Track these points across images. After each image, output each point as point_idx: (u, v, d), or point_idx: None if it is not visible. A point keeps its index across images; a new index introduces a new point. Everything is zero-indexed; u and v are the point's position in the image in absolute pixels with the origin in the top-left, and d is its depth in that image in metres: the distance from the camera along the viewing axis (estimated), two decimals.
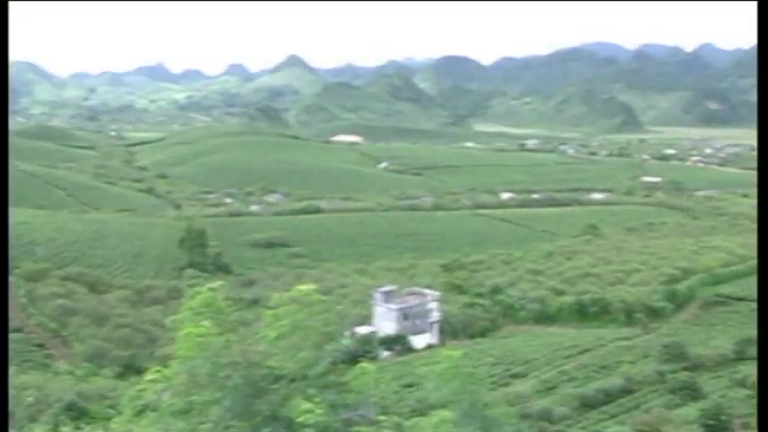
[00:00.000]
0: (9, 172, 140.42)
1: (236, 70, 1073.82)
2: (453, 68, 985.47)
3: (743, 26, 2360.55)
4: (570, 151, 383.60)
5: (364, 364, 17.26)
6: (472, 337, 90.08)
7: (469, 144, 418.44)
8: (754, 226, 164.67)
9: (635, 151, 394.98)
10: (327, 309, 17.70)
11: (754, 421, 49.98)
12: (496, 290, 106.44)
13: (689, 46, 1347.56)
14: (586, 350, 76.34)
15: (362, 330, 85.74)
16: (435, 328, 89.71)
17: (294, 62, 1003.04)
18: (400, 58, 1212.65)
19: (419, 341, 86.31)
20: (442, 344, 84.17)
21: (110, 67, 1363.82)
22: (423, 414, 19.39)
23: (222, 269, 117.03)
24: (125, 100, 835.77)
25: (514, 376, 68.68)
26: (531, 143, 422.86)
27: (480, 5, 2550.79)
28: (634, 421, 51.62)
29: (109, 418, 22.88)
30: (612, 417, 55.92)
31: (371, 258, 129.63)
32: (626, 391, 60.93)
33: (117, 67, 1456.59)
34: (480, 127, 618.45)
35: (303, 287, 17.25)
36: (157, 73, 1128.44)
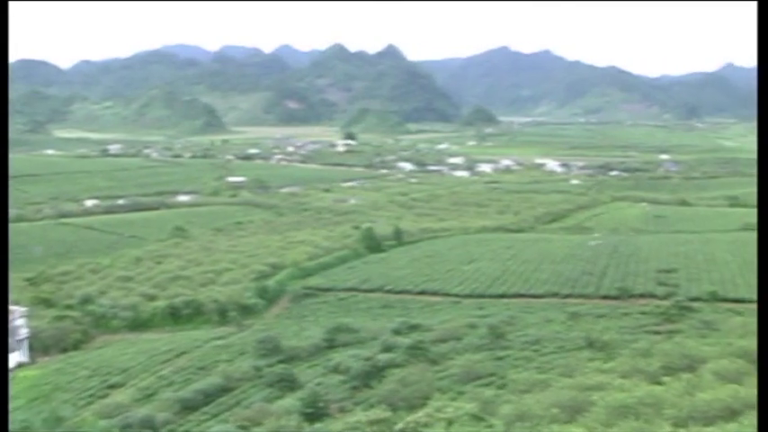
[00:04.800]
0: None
1: None
2: (30, 73, 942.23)
3: (318, 28, 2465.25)
4: (154, 155, 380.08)
5: None
6: (65, 350, 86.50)
7: (50, 151, 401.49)
8: (337, 219, 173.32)
9: (219, 152, 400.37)
10: None
11: (349, 404, 51.91)
12: (87, 300, 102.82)
13: (268, 47, 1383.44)
14: (183, 353, 75.73)
15: None
16: (25, 345, 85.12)
17: None
18: None
19: (9, 361, 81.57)
20: (33, 362, 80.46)
21: None
22: None
23: None
24: None
25: (112, 387, 66.65)
26: (113, 148, 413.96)
27: (56, 6, 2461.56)
28: (236, 418, 51.75)
29: None
30: (214, 416, 55.76)
31: None
32: (225, 390, 61.01)
33: None
34: (61, 133, 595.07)
35: None
36: None
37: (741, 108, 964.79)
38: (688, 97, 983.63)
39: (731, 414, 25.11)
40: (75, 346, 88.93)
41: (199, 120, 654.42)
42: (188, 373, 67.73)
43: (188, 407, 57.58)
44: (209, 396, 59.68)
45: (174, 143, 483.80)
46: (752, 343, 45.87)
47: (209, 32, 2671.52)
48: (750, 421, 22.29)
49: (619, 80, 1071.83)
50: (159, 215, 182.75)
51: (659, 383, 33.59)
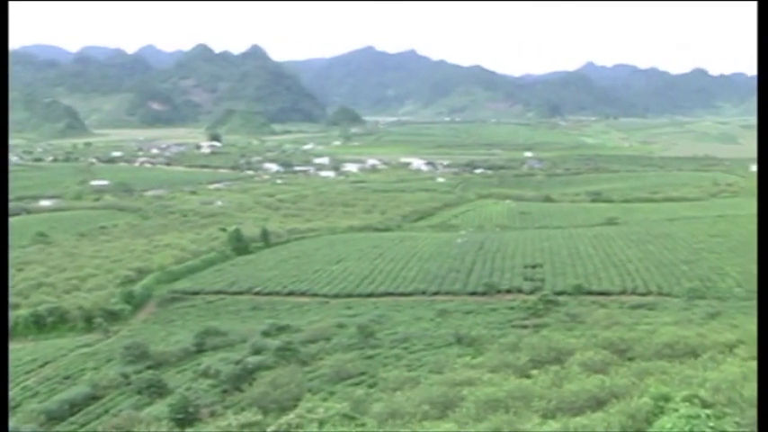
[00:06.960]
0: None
1: None
2: None
3: (182, 28, 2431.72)
4: (14, 158, 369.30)
5: None
6: None
7: None
8: (204, 221, 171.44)
9: (81, 155, 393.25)
10: None
11: (220, 408, 51.42)
12: None
13: (131, 48, 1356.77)
14: (48, 362, 73.64)
15: None
16: None
17: None
18: None
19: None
20: None
21: None
22: None
23: None
24: None
25: None
26: None
27: None
28: (104, 427, 50.65)
29: None
30: (82, 426, 54.42)
31: None
32: (93, 398, 59.62)
33: None
34: None
35: None
36: None
37: (601, 106, 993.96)
38: (550, 96, 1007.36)
39: (598, 404, 25.74)
40: None
41: (60, 122, 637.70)
42: (53, 383, 65.94)
43: (54, 417, 56.06)
44: (75, 406, 58.23)
45: (34, 146, 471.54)
46: (615, 334, 47.23)
47: (70, 32, 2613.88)
48: (616, 409, 22.82)
49: (483, 79, 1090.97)
50: (20, 221, 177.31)
51: (528, 376, 34.26)
